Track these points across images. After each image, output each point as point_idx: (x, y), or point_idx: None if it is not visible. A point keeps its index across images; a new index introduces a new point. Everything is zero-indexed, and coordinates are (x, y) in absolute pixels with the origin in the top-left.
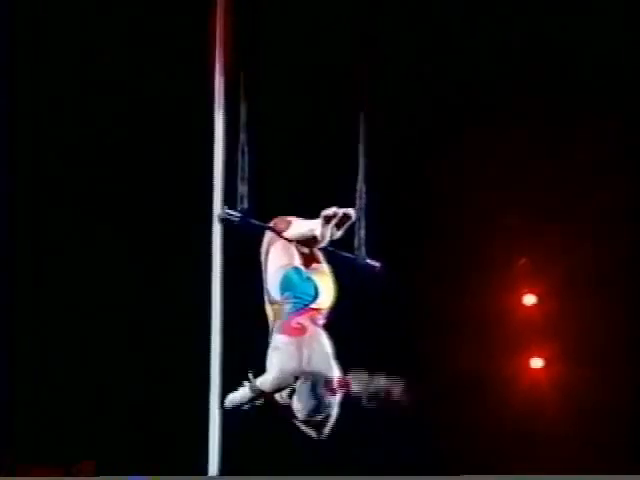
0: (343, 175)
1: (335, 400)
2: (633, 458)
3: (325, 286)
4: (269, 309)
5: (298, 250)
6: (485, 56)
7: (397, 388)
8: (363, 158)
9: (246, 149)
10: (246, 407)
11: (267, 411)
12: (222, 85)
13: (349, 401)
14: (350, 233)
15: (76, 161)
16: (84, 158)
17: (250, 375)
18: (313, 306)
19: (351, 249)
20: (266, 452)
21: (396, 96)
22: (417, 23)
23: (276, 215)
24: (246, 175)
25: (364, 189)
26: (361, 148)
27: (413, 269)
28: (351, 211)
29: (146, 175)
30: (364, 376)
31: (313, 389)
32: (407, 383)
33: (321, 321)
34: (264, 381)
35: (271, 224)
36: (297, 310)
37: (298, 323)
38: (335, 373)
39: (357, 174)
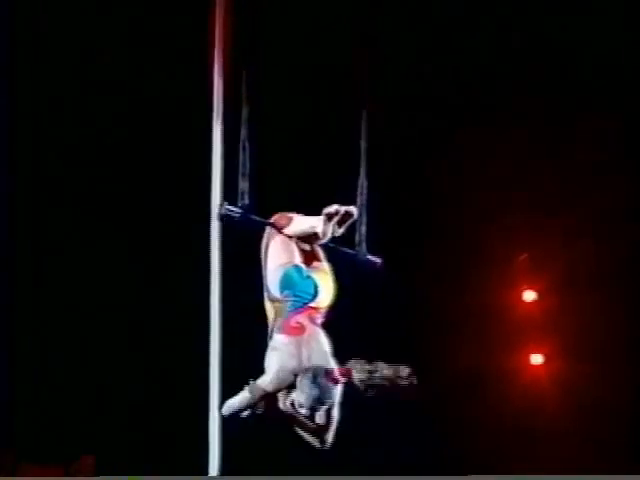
0: (344, 171)
1: (337, 390)
2: (633, 454)
3: (325, 285)
4: (269, 306)
5: (298, 247)
6: (486, 53)
7: (397, 384)
8: (364, 154)
9: (247, 145)
10: (245, 414)
11: (270, 420)
12: (222, 82)
13: (349, 400)
14: (351, 229)
15: (75, 160)
16: (83, 157)
17: (250, 381)
18: (312, 305)
19: (351, 245)
20: (266, 452)
21: (397, 93)
22: (417, 21)
23: (277, 211)
24: (247, 171)
25: (365, 185)
26: (362, 144)
27: (413, 265)
28: (353, 209)
29: (145, 173)
30: (365, 367)
31: (314, 379)
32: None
33: (320, 320)
34: (263, 381)
35: (272, 220)
36: (296, 309)
37: (297, 322)
38: (334, 366)
39: (358, 170)
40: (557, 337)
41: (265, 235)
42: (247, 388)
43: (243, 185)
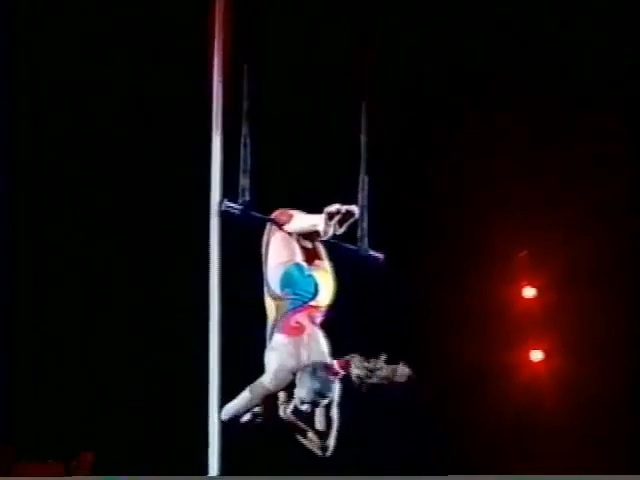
0: (345, 167)
1: (336, 383)
2: (632, 449)
3: (325, 283)
4: (269, 303)
5: (300, 244)
6: (487, 51)
7: (395, 384)
8: (364, 149)
9: (248, 141)
10: (245, 418)
11: (270, 429)
12: (222, 79)
13: (348, 400)
14: (352, 225)
15: (74, 156)
16: (82, 154)
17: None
18: (312, 303)
19: (353, 241)
20: (266, 452)
21: (397, 88)
22: (418, 16)
23: (277, 208)
24: (248, 168)
25: (366, 181)
26: (362, 139)
27: (413, 262)
28: (354, 208)
29: (145, 170)
30: (364, 364)
31: (314, 372)
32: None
33: (319, 319)
34: (263, 381)
35: (272, 217)
36: (296, 307)
37: (297, 322)
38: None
39: (359, 166)
40: (557, 333)
41: (266, 232)
42: (248, 388)
43: (244, 181)
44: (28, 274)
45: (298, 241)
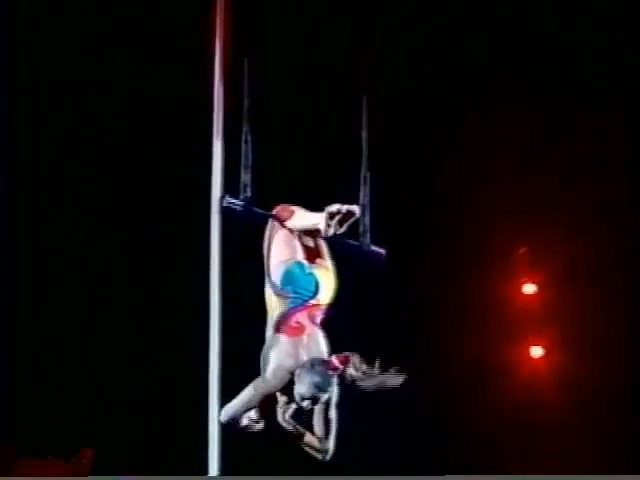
0: (347, 162)
1: (335, 379)
2: (632, 446)
3: (326, 282)
4: (270, 300)
5: (301, 242)
6: (487, 48)
7: (396, 379)
8: (366, 144)
9: (249, 137)
10: (245, 422)
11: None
12: (223, 75)
13: (348, 400)
14: (354, 221)
15: (74, 155)
16: (82, 150)
17: None
18: (313, 302)
19: (355, 237)
20: (266, 452)
21: (398, 84)
22: (419, 11)
23: (279, 204)
24: (249, 164)
25: (368, 176)
26: (363, 134)
27: (413, 259)
28: (355, 208)
29: (146, 168)
30: (361, 366)
31: (312, 367)
32: (406, 373)
33: (319, 318)
34: (261, 381)
35: (274, 212)
36: (296, 306)
37: (297, 322)
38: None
39: (360, 161)
40: (557, 330)
41: (267, 229)
42: (246, 389)
43: (245, 178)
44: (28, 273)
45: (300, 239)
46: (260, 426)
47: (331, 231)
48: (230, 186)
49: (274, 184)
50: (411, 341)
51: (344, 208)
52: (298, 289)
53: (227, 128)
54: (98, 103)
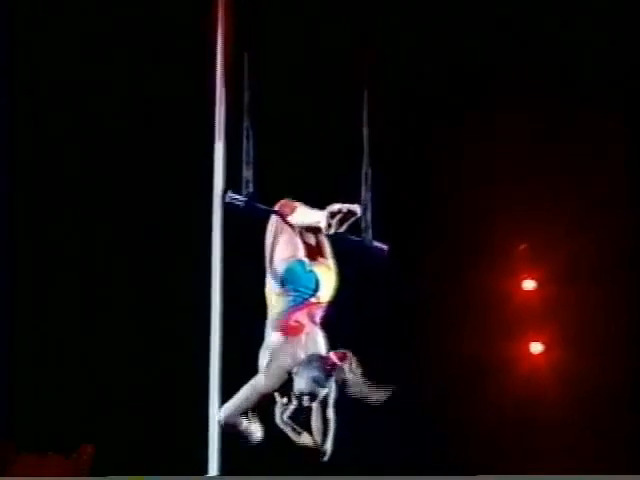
0: (348, 159)
1: (333, 375)
2: (631, 442)
3: (326, 280)
4: (271, 297)
5: (303, 239)
6: (486, 45)
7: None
8: (367, 141)
9: (251, 133)
10: (243, 426)
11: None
12: (224, 71)
13: (347, 400)
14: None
15: (74, 151)
16: (82, 149)
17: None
18: (313, 300)
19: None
20: (266, 452)
21: (399, 80)
22: (420, 7)
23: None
24: (251, 160)
25: (370, 172)
26: (365, 131)
27: (413, 254)
28: (356, 207)
29: (148, 165)
30: (357, 370)
31: (309, 362)
32: (406, 369)
33: (319, 316)
34: (258, 380)
35: (276, 207)
36: (296, 304)
37: (296, 321)
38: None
39: (362, 157)
40: (557, 326)
41: (269, 225)
42: (243, 388)
43: (247, 173)
44: (28, 270)
45: (301, 235)
46: (259, 435)
47: (332, 230)
48: (232, 182)
49: (276, 180)
50: (411, 336)
51: (345, 207)
52: (298, 287)
53: (229, 124)
54: (99, 98)
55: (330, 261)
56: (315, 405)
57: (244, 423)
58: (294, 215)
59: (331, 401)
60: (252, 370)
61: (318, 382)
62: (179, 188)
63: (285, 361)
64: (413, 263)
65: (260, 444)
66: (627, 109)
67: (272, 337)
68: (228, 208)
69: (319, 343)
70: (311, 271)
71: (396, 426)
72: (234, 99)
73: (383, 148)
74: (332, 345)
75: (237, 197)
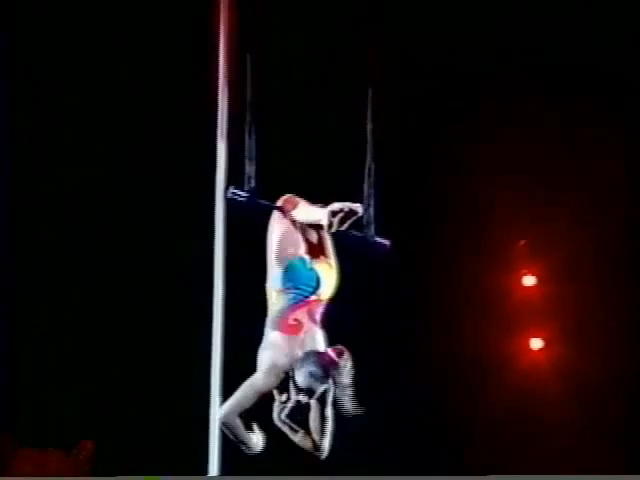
0: (352, 155)
1: (330, 372)
2: (630, 438)
3: (327, 277)
4: (271, 294)
5: (305, 236)
6: (490, 42)
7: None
8: (370, 137)
9: (253, 129)
10: (243, 433)
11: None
12: (227, 67)
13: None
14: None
15: (79, 147)
16: (87, 145)
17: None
18: (313, 297)
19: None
20: (266, 452)
21: (403, 76)
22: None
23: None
24: (253, 155)
25: (373, 168)
26: (368, 126)
27: (413, 250)
28: (358, 207)
29: (150, 161)
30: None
31: (307, 358)
32: (405, 365)
33: (319, 314)
34: (256, 379)
35: (279, 203)
36: (296, 302)
37: (295, 320)
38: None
39: (365, 153)
40: (557, 322)
41: (271, 221)
42: (240, 387)
43: (249, 169)
44: (29, 265)
45: (303, 232)
46: (260, 447)
47: (333, 229)
48: (234, 178)
49: (279, 176)
50: (411, 333)
51: (346, 207)
52: (299, 285)
53: (231, 120)
54: (101, 96)
55: (332, 259)
56: (313, 403)
57: (246, 434)
58: (296, 212)
59: (329, 400)
60: (253, 369)
61: (315, 377)
62: (182, 184)
63: (282, 361)
64: (413, 259)
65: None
66: (628, 103)
67: (271, 336)
68: (230, 204)
69: (318, 342)
70: (312, 269)
71: (396, 423)
72: (237, 95)
73: (386, 144)
74: (332, 344)
75: (239, 193)
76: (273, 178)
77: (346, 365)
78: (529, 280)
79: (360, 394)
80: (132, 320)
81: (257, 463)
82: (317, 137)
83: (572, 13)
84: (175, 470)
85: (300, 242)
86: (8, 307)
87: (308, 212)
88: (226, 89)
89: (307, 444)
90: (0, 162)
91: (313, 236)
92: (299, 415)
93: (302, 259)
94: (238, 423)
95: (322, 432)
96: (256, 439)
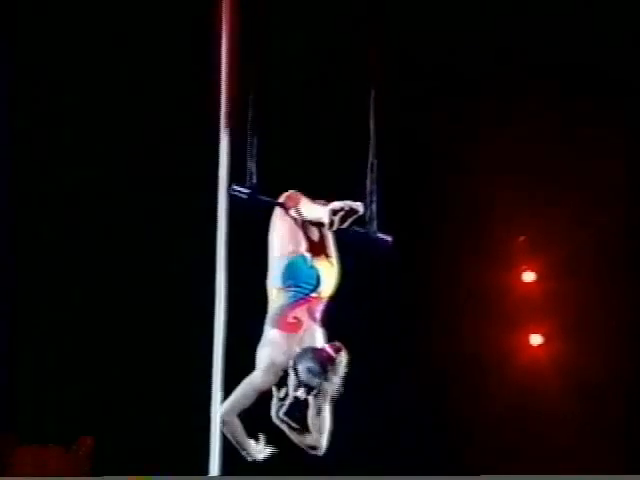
0: (354, 151)
1: (328, 368)
2: (630, 433)
3: (328, 275)
4: (272, 291)
5: (306, 234)
6: (491, 36)
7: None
8: (373, 133)
9: (255, 126)
10: (245, 440)
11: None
12: (230, 64)
13: (346, 399)
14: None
15: (81, 144)
16: (90, 142)
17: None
18: (313, 295)
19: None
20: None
21: (405, 71)
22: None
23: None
24: (255, 152)
25: (375, 164)
26: (371, 123)
27: (412, 246)
28: (359, 206)
29: (152, 158)
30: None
31: (304, 352)
32: (405, 361)
33: (319, 312)
34: (254, 377)
35: (281, 199)
36: (297, 300)
37: (295, 318)
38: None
39: (367, 150)
40: (556, 317)
41: (272, 218)
42: (239, 386)
43: (251, 166)
44: (29, 265)
45: (305, 229)
46: (262, 456)
47: (334, 227)
48: (236, 175)
49: (281, 172)
50: (410, 328)
51: (347, 205)
52: (299, 283)
53: (233, 117)
54: (103, 93)
55: (333, 257)
56: (312, 401)
57: (246, 437)
58: (297, 209)
59: (328, 397)
60: (255, 368)
61: (313, 373)
62: (185, 181)
63: (281, 358)
64: (413, 254)
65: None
66: (627, 100)
67: (270, 333)
68: (232, 201)
69: (317, 340)
70: (313, 267)
71: (395, 418)
72: (239, 92)
73: (388, 140)
74: (331, 341)
75: (241, 189)
76: (275, 175)
77: (342, 361)
78: (529, 276)
79: (360, 392)
80: (133, 318)
81: (257, 463)
82: (319, 134)
83: (572, 13)
84: (176, 470)
85: (301, 240)
86: (8, 307)
87: (309, 210)
88: (228, 86)
89: (305, 441)
90: (0, 162)
91: (314, 234)
92: (297, 412)
93: (303, 257)
94: (237, 424)
95: (320, 430)
96: (256, 447)
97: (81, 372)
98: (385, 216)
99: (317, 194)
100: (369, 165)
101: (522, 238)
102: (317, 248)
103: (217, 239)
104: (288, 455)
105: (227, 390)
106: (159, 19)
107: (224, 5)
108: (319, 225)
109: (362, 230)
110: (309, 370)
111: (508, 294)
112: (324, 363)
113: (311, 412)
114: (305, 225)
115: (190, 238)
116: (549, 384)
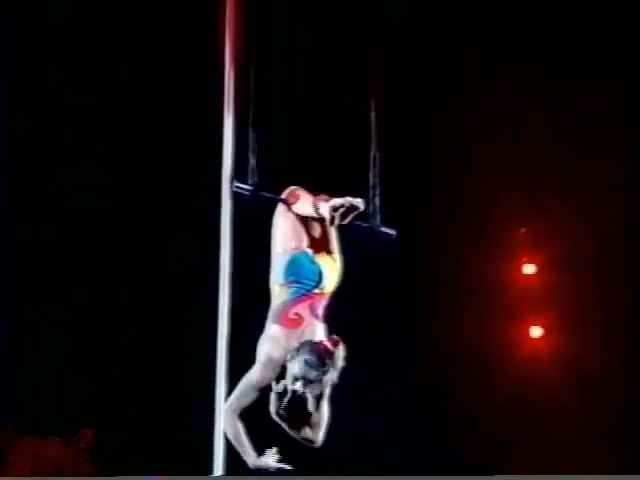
0: (355, 146)
1: (327, 360)
2: (629, 426)
3: (330, 271)
4: (274, 287)
5: (308, 230)
6: (492, 33)
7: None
8: (375, 128)
9: (257, 122)
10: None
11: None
12: (232, 62)
13: (346, 399)
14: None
15: (83, 140)
16: (92, 137)
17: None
18: (316, 291)
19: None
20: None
21: (408, 67)
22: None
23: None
24: (257, 148)
25: (378, 157)
26: (372, 117)
27: (413, 239)
28: (360, 202)
29: (155, 155)
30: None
31: (302, 346)
32: (405, 354)
33: (321, 308)
34: (252, 373)
35: (283, 195)
36: (299, 296)
37: (296, 314)
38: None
39: (369, 144)
40: (556, 310)
41: (275, 215)
42: (244, 378)
43: (253, 162)
44: (29, 265)
45: (307, 226)
46: (260, 464)
47: (335, 223)
48: (238, 171)
49: (284, 168)
50: (411, 319)
51: (348, 202)
52: (302, 279)
53: (236, 113)
54: (105, 90)
55: (335, 253)
56: (310, 397)
57: (247, 441)
58: (299, 204)
59: (326, 394)
60: None
61: (311, 365)
62: (187, 179)
63: (280, 354)
64: (414, 247)
65: (262, 444)
66: (628, 97)
67: (271, 329)
68: (235, 197)
69: (317, 336)
70: (315, 263)
71: (395, 413)
72: (242, 88)
73: (389, 135)
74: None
75: (243, 186)
76: (277, 171)
77: (340, 355)
78: (529, 268)
79: (360, 385)
80: (136, 314)
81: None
82: (320, 130)
83: (572, 13)
84: (178, 470)
85: (303, 236)
86: (9, 302)
87: (311, 208)
88: (229, 84)
89: (303, 435)
90: (0, 162)
91: (317, 230)
92: (296, 408)
93: (305, 253)
94: (238, 425)
95: (318, 423)
96: (256, 456)
97: (84, 370)
98: (387, 210)
99: (320, 189)
100: (371, 159)
101: (523, 230)
102: (320, 244)
103: (220, 236)
104: (288, 455)
105: (231, 388)
106: (160, 17)
107: (227, 6)
108: (322, 221)
109: (366, 224)
110: (307, 363)
111: (508, 286)
112: (322, 356)
113: (309, 406)
114: (307, 221)
115: (193, 235)
116: (549, 376)
